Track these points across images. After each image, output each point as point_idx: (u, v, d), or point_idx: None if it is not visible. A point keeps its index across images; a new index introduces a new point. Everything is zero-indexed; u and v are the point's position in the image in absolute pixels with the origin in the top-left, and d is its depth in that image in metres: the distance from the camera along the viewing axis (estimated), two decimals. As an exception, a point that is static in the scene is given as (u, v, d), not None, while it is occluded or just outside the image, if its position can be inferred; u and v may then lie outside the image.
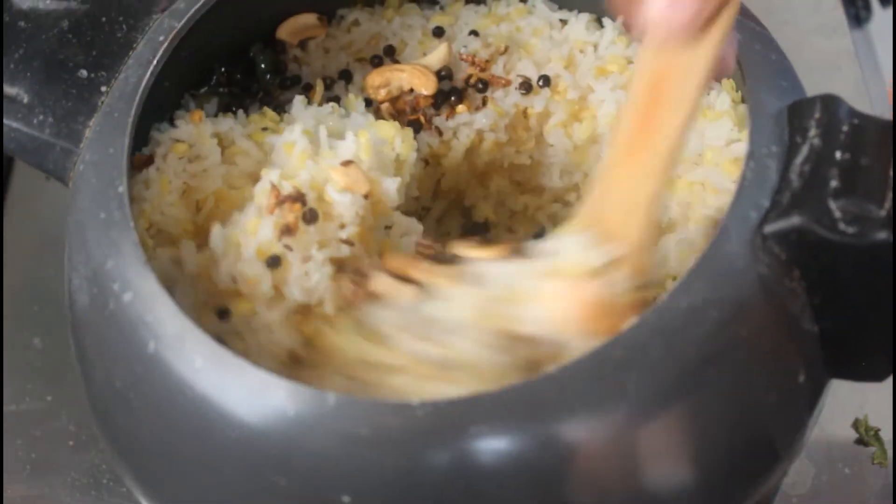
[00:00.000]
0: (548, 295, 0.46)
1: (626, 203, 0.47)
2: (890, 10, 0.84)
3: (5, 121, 0.51)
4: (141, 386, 0.44)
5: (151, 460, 0.46)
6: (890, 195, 0.43)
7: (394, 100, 0.58)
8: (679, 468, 0.43)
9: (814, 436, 0.63)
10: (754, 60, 0.49)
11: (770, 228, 0.43)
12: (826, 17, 0.82)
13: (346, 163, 0.50)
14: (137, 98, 0.49)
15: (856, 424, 0.63)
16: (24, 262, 0.71)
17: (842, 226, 0.43)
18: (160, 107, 0.55)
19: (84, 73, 0.52)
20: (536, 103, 0.57)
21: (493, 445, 0.40)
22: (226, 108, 0.59)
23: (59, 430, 0.64)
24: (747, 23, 0.50)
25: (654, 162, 0.46)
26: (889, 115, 0.70)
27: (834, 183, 0.44)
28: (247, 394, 0.42)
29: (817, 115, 0.46)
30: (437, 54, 0.59)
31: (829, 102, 0.46)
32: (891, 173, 0.44)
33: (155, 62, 0.51)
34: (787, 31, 0.79)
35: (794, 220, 0.43)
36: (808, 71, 0.77)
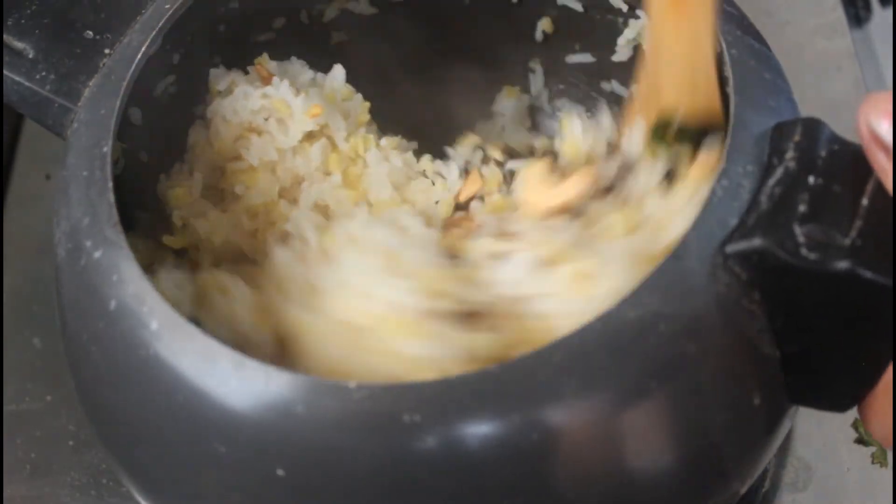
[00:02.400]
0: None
1: (683, 69, 0.46)
2: (890, 10, 0.83)
3: (10, 74, 0.52)
4: (102, 341, 0.45)
5: (109, 413, 0.47)
6: (858, 224, 0.42)
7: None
8: (615, 482, 0.43)
9: (814, 436, 0.64)
10: (746, 77, 0.48)
11: (732, 248, 0.43)
12: (826, 17, 0.81)
13: None
14: (135, 63, 0.51)
15: (856, 424, 0.63)
16: (24, 262, 0.72)
17: (804, 251, 0.42)
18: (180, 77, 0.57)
19: (90, 33, 0.54)
20: None
21: (424, 434, 0.40)
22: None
23: (59, 430, 0.66)
24: (745, 38, 0.49)
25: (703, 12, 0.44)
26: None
27: (802, 208, 0.43)
28: (195, 360, 0.42)
29: (797, 137, 0.45)
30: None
31: (811, 126, 0.45)
32: (863, 202, 0.43)
33: (157, 29, 0.52)
34: (788, 32, 0.79)
35: (756, 242, 0.43)
36: (808, 71, 0.77)
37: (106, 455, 0.49)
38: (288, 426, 0.41)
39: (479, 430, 0.40)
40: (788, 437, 0.65)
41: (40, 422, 0.66)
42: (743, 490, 0.49)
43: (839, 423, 0.63)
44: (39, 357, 0.68)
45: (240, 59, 0.59)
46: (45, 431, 0.66)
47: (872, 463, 0.62)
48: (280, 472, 0.42)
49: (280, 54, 0.60)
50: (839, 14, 0.81)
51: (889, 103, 0.41)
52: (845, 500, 0.63)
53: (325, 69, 0.60)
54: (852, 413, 0.62)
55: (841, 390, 0.48)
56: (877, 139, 0.42)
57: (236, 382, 0.42)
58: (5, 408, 0.66)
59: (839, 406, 0.49)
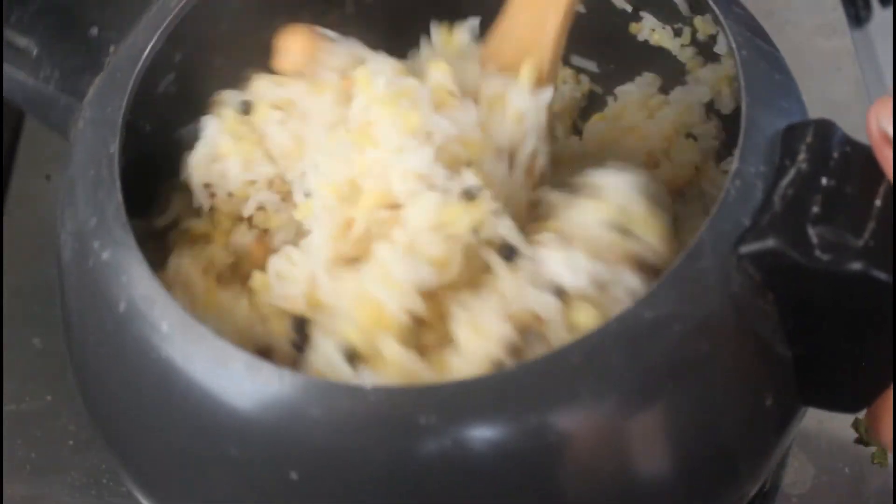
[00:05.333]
0: None
1: (529, 38, 0.50)
2: (890, 10, 0.83)
3: (13, 71, 0.52)
4: (110, 344, 0.45)
5: (116, 417, 0.47)
6: (871, 226, 0.43)
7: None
8: (630, 482, 0.43)
9: (814, 436, 0.64)
10: (757, 79, 0.48)
11: (745, 249, 0.43)
12: (826, 17, 0.82)
13: None
14: (140, 62, 0.50)
15: (856, 424, 0.63)
16: (24, 262, 0.72)
17: (817, 252, 0.42)
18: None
19: (95, 30, 0.53)
20: None
21: (441, 436, 0.40)
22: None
23: (59, 430, 0.65)
24: (755, 40, 0.50)
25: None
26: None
27: (815, 209, 0.43)
28: (208, 363, 0.42)
29: (809, 139, 0.45)
30: None
31: (823, 128, 0.45)
32: (876, 203, 0.43)
33: (162, 28, 0.51)
34: (788, 32, 0.80)
35: (770, 243, 0.43)
36: (808, 71, 0.77)
37: (112, 459, 0.48)
38: (302, 429, 0.41)
39: (495, 431, 0.40)
40: (789, 437, 0.66)
41: (40, 422, 0.66)
42: (753, 491, 0.49)
43: (839, 423, 0.63)
44: (39, 357, 0.68)
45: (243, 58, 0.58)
46: (45, 431, 0.65)
47: (872, 463, 0.62)
48: (294, 475, 0.41)
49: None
50: (839, 14, 0.82)
51: None
52: (845, 500, 0.63)
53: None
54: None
55: (852, 392, 0.48)
56: (886, 138, 0.42)
57: (250, 385, 0.41)
58: (5, 408, 0.66)
59: (850, 407, 0.49)
